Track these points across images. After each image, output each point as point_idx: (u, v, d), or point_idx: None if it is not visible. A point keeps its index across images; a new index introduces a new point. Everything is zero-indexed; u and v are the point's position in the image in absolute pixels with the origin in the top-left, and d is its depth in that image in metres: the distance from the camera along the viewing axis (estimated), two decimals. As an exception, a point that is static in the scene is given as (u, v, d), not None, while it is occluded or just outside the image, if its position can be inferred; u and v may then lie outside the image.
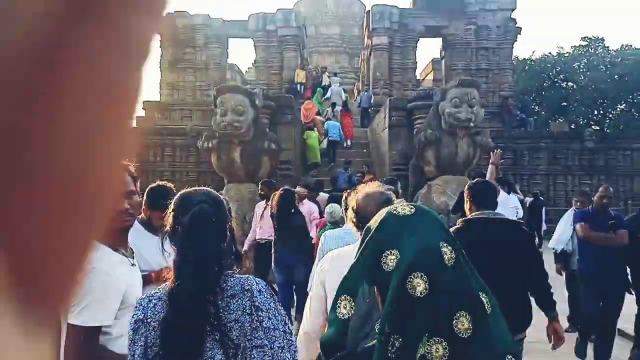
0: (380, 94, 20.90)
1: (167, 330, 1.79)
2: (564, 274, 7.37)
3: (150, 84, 26.07)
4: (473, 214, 3.76)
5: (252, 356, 1.77)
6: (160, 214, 3.96)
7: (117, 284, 2.33)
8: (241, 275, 1.93)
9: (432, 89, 12.99)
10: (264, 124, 11.67)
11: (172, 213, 1.94)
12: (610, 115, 34.85)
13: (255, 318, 1.81)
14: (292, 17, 21.87)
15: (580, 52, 36.01)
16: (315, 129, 16.67)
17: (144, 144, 18.07)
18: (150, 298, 1.89)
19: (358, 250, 1.56)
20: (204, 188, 2.07)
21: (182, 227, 1.86)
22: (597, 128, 29.43)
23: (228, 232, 1.99)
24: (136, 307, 1.91)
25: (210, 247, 1.84)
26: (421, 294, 1.32)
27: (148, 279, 3.84)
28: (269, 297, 1.88)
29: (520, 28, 22.53)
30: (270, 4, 25.00)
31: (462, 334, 1.33)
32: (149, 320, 1.83)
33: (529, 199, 14.92)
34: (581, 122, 32.21)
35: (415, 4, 22.47)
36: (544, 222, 14.89)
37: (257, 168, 11.03)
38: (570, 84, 35.18)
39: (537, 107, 33.80)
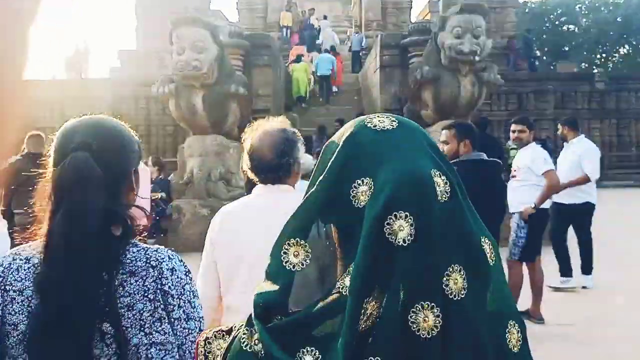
0: (373, 37, 18.71)
1: (38, 327, 1.27)
2: None
3: (126, 31, 23.91)
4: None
5: (150, 356, 1.29)
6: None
7: None
8: (148, 246, 1.40)
9: (430, 21, 10.94)
10: (232, 64, 9.64)
11: (51, 156, 1.40)
12: (614, 59, 32.86)
13: (161, 306, 1.33)
14: (276, -46, 19.51)
15: (581, -7, 34.03)
16: (303, 60, 14.96)
17: (116, 96, 16.10)
18: (15, 257, 1.36)
19: (313, 175, 1.05)
20: (98, 117, 1.47)
21: (55, 180, 1.34)
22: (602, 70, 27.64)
23: (133, 185, 1.48)
24: None
25: (91, 205, 1.31)
26: (404, 241, 0.91)
27: None
28: (183, 277, 1.40)
29: (524, -39, 20.19)
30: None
31: (455, 295, 0.94)
32: (7, 287, 1.32)
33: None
34: (584, 66, 30.35)
35: None
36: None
37: (224, 116, 9.07)
38: (571, 27, 33.29)
39: (538, 52, 31.75)
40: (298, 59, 15.22)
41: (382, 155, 1.00)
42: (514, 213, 5.26)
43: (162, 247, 1.47)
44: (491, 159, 3.77)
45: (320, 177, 1.04)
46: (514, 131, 5.52)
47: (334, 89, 16.19)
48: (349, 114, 14.96)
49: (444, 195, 0.99)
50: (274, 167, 2.24)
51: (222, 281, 2.29)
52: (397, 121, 1.04)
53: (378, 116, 1.05)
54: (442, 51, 8.85)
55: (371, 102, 13.26)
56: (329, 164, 1.04)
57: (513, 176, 5.43)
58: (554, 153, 10.79)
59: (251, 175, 2.32)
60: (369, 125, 1.03)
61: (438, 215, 0.98)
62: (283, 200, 2.07)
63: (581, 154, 6.25)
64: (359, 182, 0.99)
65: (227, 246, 2.27)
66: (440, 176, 0.99)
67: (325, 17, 21.40)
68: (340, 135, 1.07)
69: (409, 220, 0.95)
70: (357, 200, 0.99)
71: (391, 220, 0.96)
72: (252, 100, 10.63)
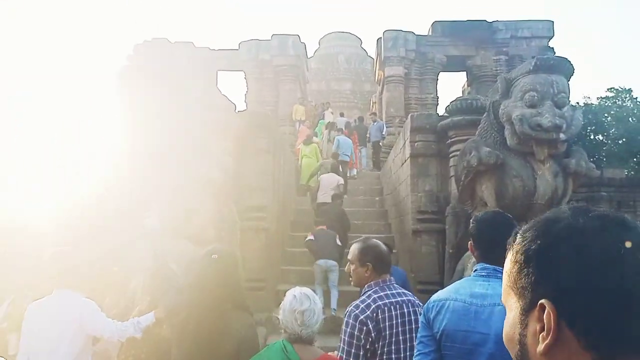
0: (395, 134, 16.04)
1: None
2: None
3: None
4: None
5: None
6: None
7: None
8: None
9: (477, 98, 8.14)
10: (211, 145, 6.72)
11: None
12: (648, 167, 30.06)
13: None
14: (289, 44, 17.28)
15: (607, 104, 31.94)
16: (313, 140, 12.64)
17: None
18: None
19: None
20: None
21: None
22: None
23: None
24: None
25: None
26: None
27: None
28: None
29: (561, 58, 17.79)
30: (265, 33, 20.48)
31: None
32: None
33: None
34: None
35: (433, 30, 17.83)
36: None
37: (190, 209, 6.04)
38: (599, 137, 30.86)
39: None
40: (308, 140, 12.74)
41: None
42: None
43: None
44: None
45: None
46: None
47: (354, 172, 13.72)
48: (370, 216, 11.91)
49: None
50: None
51: None
52: None
53: None
54: (507, 128, 5.91)
55: (399, 205, 10.17)
56: None
57: None
58: None
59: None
60: None
61: None
62: None
63: None
64: None
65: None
66: None
67: (342, 115, 18.97)
68: None
69: None
70: None
71: None
72: (241, 193, 7.69)
